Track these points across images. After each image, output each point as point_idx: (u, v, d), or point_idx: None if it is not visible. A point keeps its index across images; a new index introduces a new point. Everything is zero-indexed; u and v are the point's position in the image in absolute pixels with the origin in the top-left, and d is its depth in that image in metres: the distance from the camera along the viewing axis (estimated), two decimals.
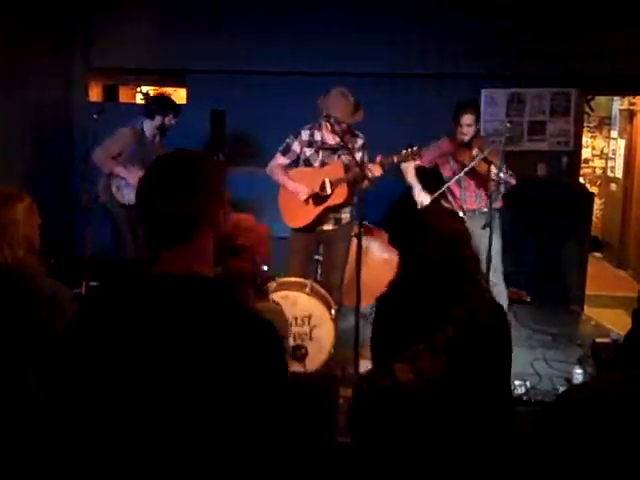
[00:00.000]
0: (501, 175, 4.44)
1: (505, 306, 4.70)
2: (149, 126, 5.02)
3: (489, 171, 4.46)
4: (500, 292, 4.69)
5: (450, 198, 4.86)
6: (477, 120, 4.72)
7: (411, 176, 4.80)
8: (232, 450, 1.30)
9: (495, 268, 4.65)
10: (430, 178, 4.94)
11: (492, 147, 4.51)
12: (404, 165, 4.73)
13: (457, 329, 1.99)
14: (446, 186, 4.64)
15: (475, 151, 4.54)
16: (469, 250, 2.23)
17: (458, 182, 4.71)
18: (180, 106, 5.20)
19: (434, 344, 1.96)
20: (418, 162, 4.72)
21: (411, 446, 1.88)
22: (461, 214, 4.62)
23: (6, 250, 2.16)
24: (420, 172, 4.91)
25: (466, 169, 4.49)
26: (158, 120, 4.99)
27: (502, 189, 4.61)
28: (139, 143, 4.97)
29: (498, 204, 4.71)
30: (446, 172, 4.83)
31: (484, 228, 4.37)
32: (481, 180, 4.66)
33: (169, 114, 5.02)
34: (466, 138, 4.63)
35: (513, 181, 4.62)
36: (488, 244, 4.31)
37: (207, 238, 1.41)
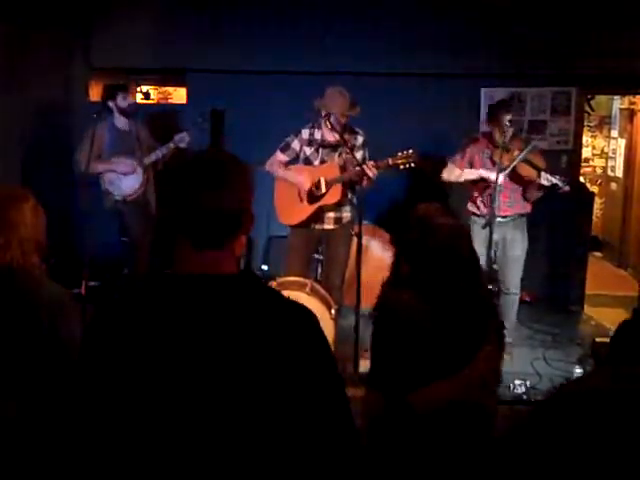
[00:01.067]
0: (552, 179, 4.26)
1: (514, 315, 4.70)
2: (117, 119, 5.17)
3: (538, 177, 4.29)
4: (514, 301, 4.65)
5: (479, 202, 4.65)
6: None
7: (459, 174, 4.60)
8: (286, 447, 1.29)
9: (513, 275, 4.59)
10: (431, 182, 4.91)
11: (531, 148, 4.35)
12: (448, 174, 4.63)
13: (497, 329, 1.98)
14: (518, 159, 4.30)
15: (515, 152, 4.36)
16: (468, 248, 2.20)
17: (492, 187, 4.47)
18: (123, 85, 5.34)
19: (492, 344, 1.93)
20: (456, 167, 4.60)
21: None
22: (483, 220, 4.46)
23: (15, 251, 2.15)
24: (421, 176, 4.87)
25: (507, 170, 4.29)
26: (113, 106, 5.13)
27: (539, 194, 4.44)
28: (111, 136, 5.12)
29: (527, 209, 4.60)
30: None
31: (484, 228, 4.36)
32: (520, 184, 4.48)
33: (117, 95, 5.12)
34: (506, 138, 4.41)
35: (567, 187, 4.34)
36: (488, 244, 4.27)
37: (243, 237, 1.41)
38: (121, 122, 5.20)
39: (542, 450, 1.15)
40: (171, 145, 5.15)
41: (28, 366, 2.06)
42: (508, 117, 4.42)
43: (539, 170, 4.34)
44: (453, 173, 4.64)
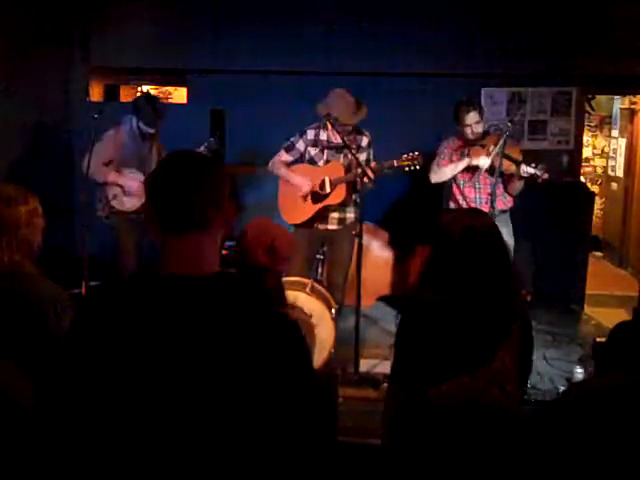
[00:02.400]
0: (530, 170, 4.25)
1: None
2: (134, 124, 4.78)
3: (517, 169, 4.29)
4: None
5: (462, 201, 4.65)
6: (482, 117, 4.52)
7: (448, 171, 4.58)
8: (254, 450, 1.30)
9: None
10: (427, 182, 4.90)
11: (505, 139, 4.29)
12: (435, 176, 4.60)
13: (521, 327, 1.97)
14: (495, 152, 4.27)
15: (491, 148, 4.35)
16: (502, 250, 2.16)
17: (472, 184, 4.55)
18: (160, 111, 4.82)
19: (512, 346, 1.92)
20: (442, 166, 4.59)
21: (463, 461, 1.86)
22: None
23: (4, 251, 2.15)
24: (422, 176, 4.86)
25: (495, 151, 4.27)
26: (134, 121, 4.76)
27: (521, 186, 4.43)
28: (131, 143, 4.78)
29: (509, 204, 4.60)
30: (461, 175, 4.60)
31: None
32: (501, 177, 4.45)
33: (140, 118, 4.72)
34: (473, 137, 4.46)
35: (546, 175, 4.33)
36: None
37: (218, 233, 1.44)
38: (139, 131, 4.81)
39: (554, 448, 1.15)
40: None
41: (22, 365, 2.06)
42: (472, 116, 4.42)
43: (517, 163, 4.32)
44: (442, 172, 4.61)
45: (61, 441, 1.38)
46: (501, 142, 4.26)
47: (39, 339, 2.08)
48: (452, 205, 4.67)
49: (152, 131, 4.77)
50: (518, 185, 4.46)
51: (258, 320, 1.36)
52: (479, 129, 4.47)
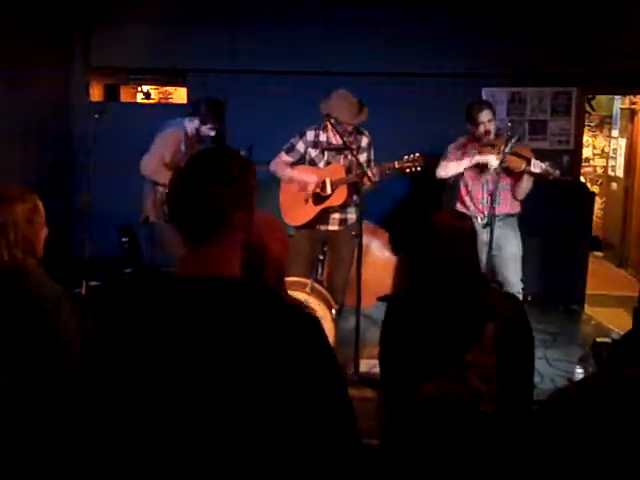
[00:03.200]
0: (542, 164, 4.22)
1: None
2: (191, 126, 4.71)
3: (528, 165, 4.24)
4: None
5: (469, 202, 4.60)
6: (494, 116, 4.48)
7: (455, 166, 4.52)
8: (285, 451, 1.27)
9: (511, 275, 4.49)
10: (432, 183, 4.88)
11: (516, 139, 4.31)
12: (442, 171, 4.54)
13: (496, 331, 1.98)
14: (507, 150, 4.25)
15: (502, 147, 4.31)
16: (471, 251, 2.20)
17: (481, 185, 4.49)
18: (223, 114, 4.86)
19: (483, 344, 1.93)
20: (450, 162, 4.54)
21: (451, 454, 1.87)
22: (479, 220, 4.43)
23: (3, 251, 2.16)
24: (422, 176, 4.84)
25: (507, 151, 4.25)
26: (196, 122, 4.68)
27: (530, 185, 4.39)
28: (187, 146, 4.66)
29: (516, 208, 4.55)
30: (469, 176, 4.55)
31: (484, 227, 4.34)
32: (509, 178, 4.44)
33: (207, 122, 4.67)
34: (491, 136, 4.40)
35: (557, 172, 4.31)
36: (488, 246, 4.23)
37: (236, 238, 1.39)
38: (193, 133, 4.73)
39: (542, 455, 1.15)
40: None
41: (22, 361, 2.07)
42: (485, 113, 4.39)
43: (528, 159, 4.29)
44: (449, 168, 4.56)
45: (77, 440, 1.36)
46: (513, 141, 4.27)
47: (38, 336, 2.09)
48: (459, 206, 4.60)
49: (213, 134, 4.75)
50: (525, 186, 4.41)
51: (281, 319, 1.33)
52: (492, 127, 4.42)
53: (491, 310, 2.01)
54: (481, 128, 4.40)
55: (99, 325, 1.41)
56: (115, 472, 1.32)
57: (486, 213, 4.45)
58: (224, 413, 1.26)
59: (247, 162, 1.45)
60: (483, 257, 4.44)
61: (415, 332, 1.99)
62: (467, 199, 4.61)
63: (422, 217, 2.20)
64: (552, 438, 1.08)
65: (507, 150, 4.26)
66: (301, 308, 1.41)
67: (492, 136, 4.42)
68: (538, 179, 4.38)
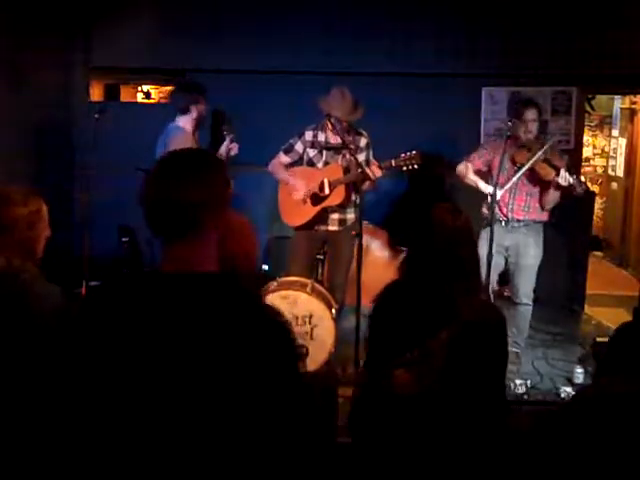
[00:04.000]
0: (569, 178, 4.09)
1: (525, 325, 4.50)
2: (189, 123, 4.54)
3: (556, 177, 4.13)
4: (525, 311, 4.46)
5: (485, 205, 4.46)
6: (539, 117, 4.39)
7: (471, 175, 4.46)
8: (242, 450, 1.29)
9: (524, 284, 4.42)
10: (433, 184, 4.88)
11: (550, 145, 4.25)
12: (461, 168, 4.49)
13: (453, 331, 1.98)
14: (520, 174, 4.21)
15: (537, 151, 4.21)
16: (467, 250, 2.21)
17: (510, 189, 4.31)
18: (203, 87, 4.69)
19: (430, 348, 1.95)
20: (471, 165, 4.46)
21: (408, 448, 1.87)
22: (504, 224, 4.35)
23: (2, 252, 2.15)
24: (422, 176, 4.83)
25: (525, 168, 4.18)
26: (194, 112, 4.51)
27: (556, 199, 4.29)
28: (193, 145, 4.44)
29: (543, 217, 4.45)
30: (498, 177, 4.33)
31: (484, 228, 4.31)
32: (538, 186, 4.34)
33: (200, 100, 4.51)
34: (531, 135, 4.30)
35: (582, 188, 4.16)
36: (488, 249, 4.16)
37: (212, 234, 1.43)
38: (191, 126, 4.56)
39: (559, 453, 1.15)
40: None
41: (16, 363, 2.06)
42: (532, 112, 4.29)
43: (558, 169, 4.18)
44: (462, 171, 4.51)
45: (58, 439, 1.38)
46: (548, 146, 4.21)
47: (34, 338, 2.08)
48: (484, 208, 4.43)
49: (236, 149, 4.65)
50: (552, 197, 4.30)
51: (249, 318, 1.35)
52: (534, 128, 4.31)
53: (453, 314, 2.01)
54: (522, 128, 4.29)
55: (78, 319, 1.43)
56: (92, 466, 1.33)
57: (510, 217, 4.36)
58: (193, 403, 1.28)
59: (218, 161, 1.50)
60: (502, 262, 4.42)
61: (392, 328, 2.01)
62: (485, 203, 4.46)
63: (421, 214, 2.22)
64: (571, 438, 1.09)
65: (540, 154, 4.17)
66: (273, 308, 1.42)
67: (532, 137, 4.32)
68: (564, 193, 4.26)
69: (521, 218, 4.38)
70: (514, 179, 4.23)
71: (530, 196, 4.37)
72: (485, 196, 4.38)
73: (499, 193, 4.19)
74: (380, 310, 2.09)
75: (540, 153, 4.18)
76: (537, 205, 4.40)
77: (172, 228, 1.39)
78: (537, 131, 4.37)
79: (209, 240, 1.43)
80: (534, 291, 4.50)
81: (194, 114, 4.54)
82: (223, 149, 4.60)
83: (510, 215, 4.37)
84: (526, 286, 4.45)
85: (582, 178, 4.30)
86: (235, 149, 4.63)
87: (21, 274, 2.18)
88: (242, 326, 1.33)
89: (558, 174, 4.15)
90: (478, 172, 4.48)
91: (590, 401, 1.27)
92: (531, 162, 4.19)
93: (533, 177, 4.31)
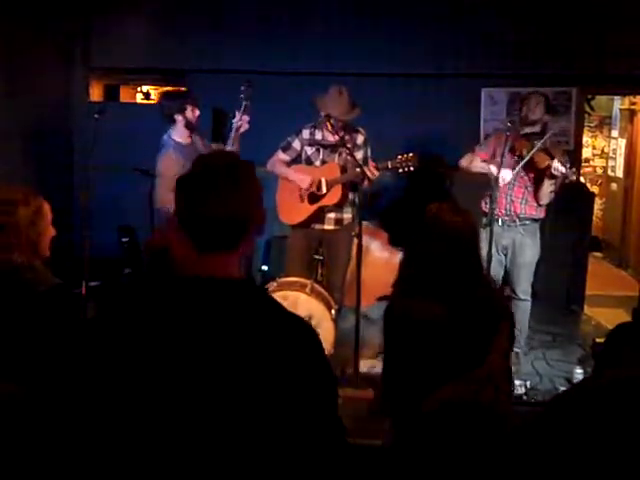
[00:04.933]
0: (562, 169, 4.13)
1: (525, 322, 4.51)
2: (178, 132, 4.49)
3: (549, 166, 4.16)
4: (524, 308, 4.48)
5: (505, 201, 4.44)
6: (547, 113, 4.43)
7: (478, 163, 4.44)
8: (279, 450, 1.29)
9: (521, 281, 4.45)
10: (433, 184, 4.87)
11: (550, 136, 4.28)
12: (466, 159, 4.48)
13: (508, 323, 1.97)
14: (524, 162, 4.23)
15: (535, 141, 4.25)
16: (467, 249, 2.20)
17: (523, 185, 4.37)
18: (190, 94, 4.70)
19: (499, 347, 1.92)
20: (476, 156, 4.46)
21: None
22: (501, 223, 4.37)
23: (6, 251, 2.16)
24: (422, 176, 4.82)
25: (527, 157, 4.20)
26: (181, 120, 4.45)
27: (552, 189, 4.32)
28: (177, 156, 4.34)
29: (540, 214, 4.47)
30: (501, 165, 4.33)
31: (484, 228, 4.31)
32: (534, 176, 4.35)
33: (186, 108, 4.45)
34: (534, 117, 4.31)
35: (574, 177, 4.20)
36: (488, 249, 4.16)
37: (251, 239, 1.42)
38: (183, 135, 4.49)
39: (555, 449, 1.15)
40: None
41: (20, 361, 2.06)
42: (535, 101, 4.34)
43: (552, 157, 4.21)
44: (467, 160, 4.51)
45: (70, 440, 1.37)
46: (547, 136, 4.24)
47: (38, 335, 2.08)
48: (483, 206, 4.48)
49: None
50: (546, 190, 4.32)
51: (277, 322, 1.36)
52: (538, 113, 4.36)
53: (505, 309, 2.00)
54: (527, 112, 4.33)
55: (98, 324, 1.41)
56: (111, 473, 1.32)
57: (508, 210, 4.39)
58: (217, 410, 1.27)
59: (249, 166, 1.46)
60: (501, 260, 4.44)
61: (424, 337, 1.95)
62: (503, 196, 4.44)
63: (421, 214, 2.20)
64: (566, 432, 1.08)
65: (540, 145, 4.19)
66: (298, 316, 1.43)
67: (536, 118, 4.34)
68: (558, 183, 4.30)
69: (519, 212, 4.39)
70: (519, 166, 4.24)
71: (527, 189, 4.40)
72: (485, 193, 4.41)
73: (508, 176, 4.23)
74: (401, 336, 2.02)
75: (540, 144, 4.20)
76: (533, 200, 4.42)
77: (221, 242, 1.36)
78: (541, 114, 4.37)
79: (248, 245, 1.42)
80: (532, 287, 4.51)
81: (181, 122, 4.47)
82: (236, 120, 4.47)
83: (509, 207, 4.39)
84: (524, 283, 4.49)
85: (574, 169, 4.29)
86: (245, 124, 4.48)
87: (27, 272, 2.19)
88: (282, 331, 1.33)
89: (552, 161, 4.18)
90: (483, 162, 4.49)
91: (592, 388, 1.28)
92: (533, 151, 4.21)
93: (530, 167, 4.32)
